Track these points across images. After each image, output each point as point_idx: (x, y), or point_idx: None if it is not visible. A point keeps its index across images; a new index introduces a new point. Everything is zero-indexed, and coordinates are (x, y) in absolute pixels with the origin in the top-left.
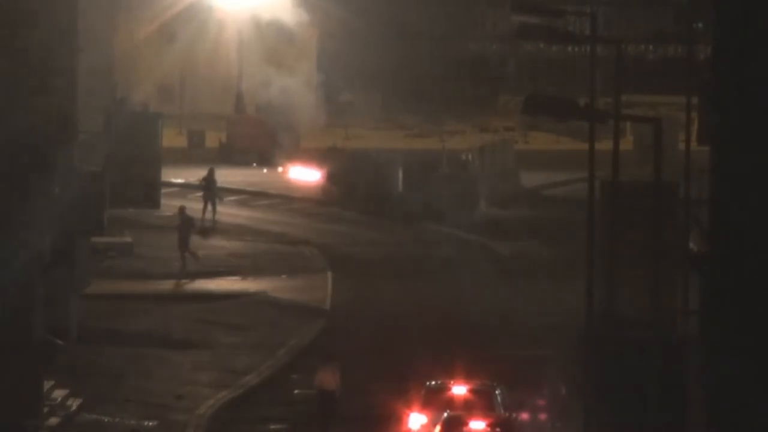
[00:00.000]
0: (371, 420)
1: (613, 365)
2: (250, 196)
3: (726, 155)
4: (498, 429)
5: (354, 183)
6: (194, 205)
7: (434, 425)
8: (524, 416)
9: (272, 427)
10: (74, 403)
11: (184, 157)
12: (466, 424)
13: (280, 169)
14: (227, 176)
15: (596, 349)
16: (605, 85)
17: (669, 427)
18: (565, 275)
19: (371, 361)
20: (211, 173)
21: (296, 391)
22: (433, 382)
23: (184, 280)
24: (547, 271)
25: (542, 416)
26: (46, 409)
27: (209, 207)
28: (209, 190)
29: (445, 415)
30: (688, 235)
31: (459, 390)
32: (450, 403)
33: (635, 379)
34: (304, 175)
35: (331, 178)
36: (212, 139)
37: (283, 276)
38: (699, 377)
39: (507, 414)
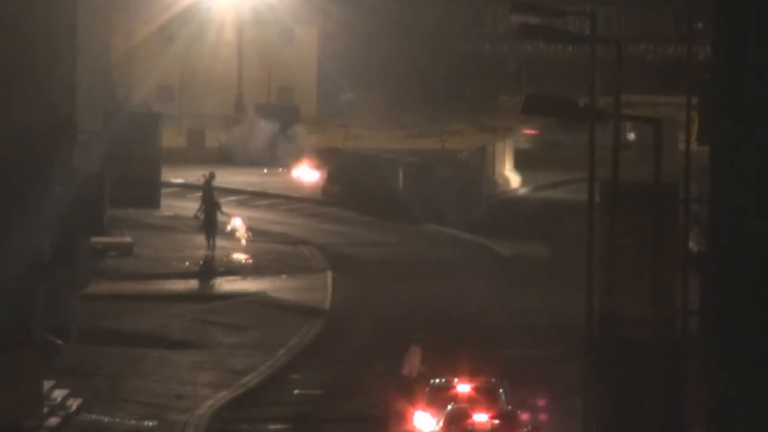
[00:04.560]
0: (373, 420)
1: (613, 365)
2: (250, 196)
3: (726, 155)
4: (500, 421)
5: (354, 183)
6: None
7: (439, 422)
8: (524, 416)
9: (272, 427)
10: (74, 403)
11: (184, 157)
12: (470, 416)
13: (280, 169)
14: (227, 176)
15: (596, 349)
16: (605, 85)
17: (669, 427)
18: (564, 275)
19: (371, 361)
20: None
21: (296, 391)
22: (437, 380)
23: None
24: (547, 271)
25: (542, 416)
26: (46, 409)
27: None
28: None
29: (449, 407)
30: (688, 235)
31: (463, 388)
32: (454, 400)
33: (635, 380)
34: (304, 175)
35: (331, 178)
36: (212, 139)
37: (283, 276)
38: (699, 377)
39: (510, 408)
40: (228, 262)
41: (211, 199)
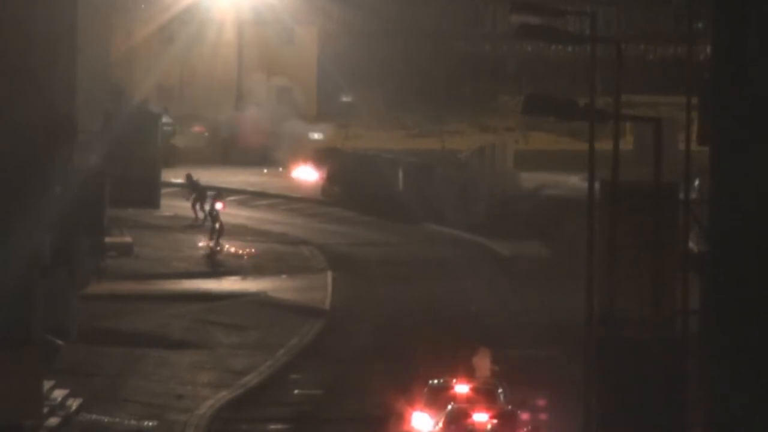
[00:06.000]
0: (372, 420)
1: (613, 365)
2: (250, 196)
3: (726, 155)
4: (500, 421)
5: (354, 183)
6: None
7: (437, 423)
8: (525, 416)
9: (272, 427)
10: (74, 403)
11: (185, 158)
12: (470, 416)
13: (280, 168)
14: (227, 176)
15: (596, 349)
16: (605, 85)
17: (669, 427)
18: (564, 275)
19: (371, 361)
20: (189, 177)
21: (296, 391)
22: (436, 381)
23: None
24: (547, 271)
25: (542, 416)
26: (46, 409)
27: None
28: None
29: (449, 407)
30: (688, 235)
31: (461, 388)
32: (453, 401)
33: (635, 379)
34: (304, 174)
35: (331, 178)
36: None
37: (283, 276)
38: (699, 377)
39: (510, 407)
40: (227, 255)
41: (203, 194)
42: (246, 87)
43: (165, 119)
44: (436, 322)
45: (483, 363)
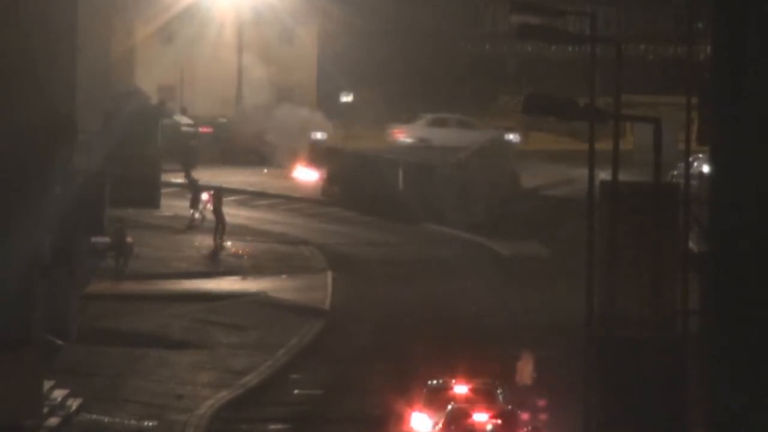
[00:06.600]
0: (372, 420)
1: (613, 365)
2: (250, 196)
3: (726, 155)
4: (500, 421)
5: (354, 183)
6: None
7: (437, 423)
8: (525, 416)
9: (272, 427)
10: (74, 403)
11: None
12: (470, 416)
13: (280, 168)
14: (227, 176)
15: (596, 349)
16: (605, 85)
17: (669, 427)
18: (564, 275)
19: (371, 361)
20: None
21: (296, 391)
22: (435, 382)
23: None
24: (547, 271)
25: (542, 416)
26: (46, 409)
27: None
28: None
29: (450, 407)
30: (688, 235)
31: (461, 389)
32: (453, 401)
33: (635, 379)
34: (305, 175)
35: (331, 178)
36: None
37: (283, 276)
38: (699, 377)
39: (510, 408)
40: (225, 252)
41: (200, 193)
42: (245, 87)
43: (184, 120)
44: (436, 322)
45: (526, 368)
